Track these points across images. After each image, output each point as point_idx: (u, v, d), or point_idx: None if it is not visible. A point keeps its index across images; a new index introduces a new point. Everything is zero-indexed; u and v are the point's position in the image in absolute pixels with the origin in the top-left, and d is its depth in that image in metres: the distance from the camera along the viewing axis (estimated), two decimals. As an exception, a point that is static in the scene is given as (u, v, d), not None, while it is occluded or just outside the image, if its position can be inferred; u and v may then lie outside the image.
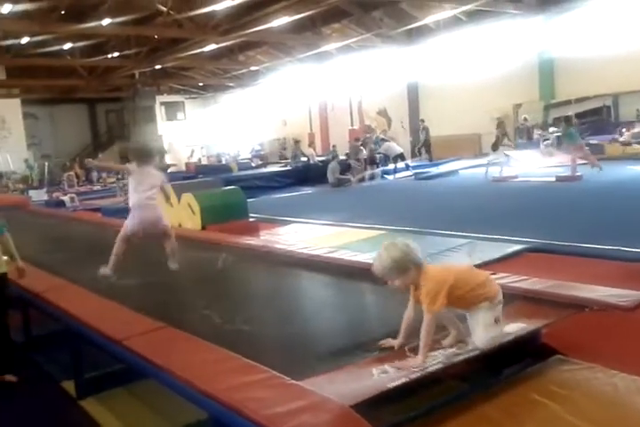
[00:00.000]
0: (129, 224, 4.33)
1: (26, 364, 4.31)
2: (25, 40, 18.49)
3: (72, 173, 22.38)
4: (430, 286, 2.49)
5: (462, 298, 2.53)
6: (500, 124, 14.12)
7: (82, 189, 20.07)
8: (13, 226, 9.30)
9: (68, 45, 19.77)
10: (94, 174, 22.54)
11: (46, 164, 23.37)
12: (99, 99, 30.43)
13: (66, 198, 14.94)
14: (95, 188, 20.23)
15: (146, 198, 4.26)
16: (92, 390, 3.60)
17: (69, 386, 3.71)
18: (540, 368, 2.72)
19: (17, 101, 26.03)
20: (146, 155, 4.36)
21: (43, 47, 19.88)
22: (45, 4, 15.00)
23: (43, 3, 15.00)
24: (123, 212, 10.95)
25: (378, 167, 16.54)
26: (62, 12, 15.49)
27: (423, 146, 19.04)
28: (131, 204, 4.35)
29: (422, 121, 20.30)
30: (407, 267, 2.52)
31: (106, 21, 15.79)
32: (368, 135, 19.14)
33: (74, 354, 3.64)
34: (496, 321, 2.55)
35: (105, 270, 4.36)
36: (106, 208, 11.94)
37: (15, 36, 18.39)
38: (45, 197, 17.36)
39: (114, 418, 3.31)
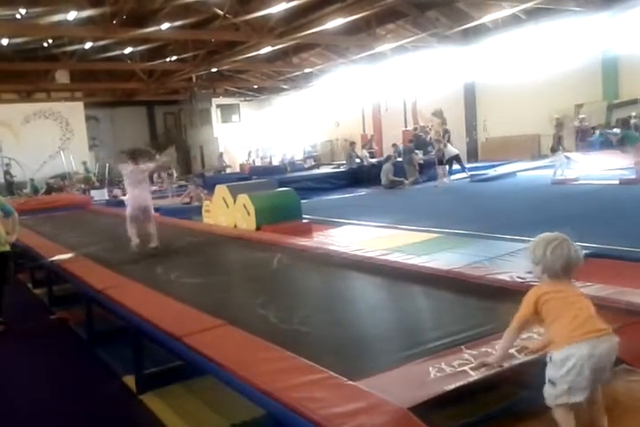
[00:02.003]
0: (128, 211, 5.79)
1: (89, 359, 4.47)
2: (88, 45, 19.14)
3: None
4: (527, 294, 2.38)
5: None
6: (559, 125, 13.66)
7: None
8: (76, 224, 9.69)
9: (128, 50, 20.35)
10: (154, 176, 23.14)
11: (107, 164, 24.16)
12: (157, 101, 31.19)
13: (125, 198, 15.32)
14: (153, 188, 20.75)
15: (138, 192, 5.72)
16: (151, 385, 3.70)
17: (130, 381, 3.82)
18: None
19: (80, 104, 26.99)
20: (136, 155, 5.80)
21: (104, 52, 20.55)
22: (108, 10, 15.48)
23: (105, 9, 15.49)
24: (180, 212, 11.26)
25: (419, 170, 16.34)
26: (124, 18, 15.98)
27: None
28: (127, 196, 5.85)
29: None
30: (536, 262, 2.37)
31: (165, 26, 16.19)
32: (420, 134, 18.95)
33: (135, 350, 3.74)
34: (551, 382, 2.27)
35: (133, 243, 5.71)
36: (164, 207, 12.24)
37: (79, 41, 19.08)
38: (106, 197, 17.95)
39: (172, 413, 3.38)
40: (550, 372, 2.26)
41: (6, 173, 22.39)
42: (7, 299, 5.56)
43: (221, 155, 26.89)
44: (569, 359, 2.18)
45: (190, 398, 3.55)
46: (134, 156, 5.78)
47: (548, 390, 2.27)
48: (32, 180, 22.12)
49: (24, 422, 3.54)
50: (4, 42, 18.12)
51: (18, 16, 15.90)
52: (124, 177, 5.92)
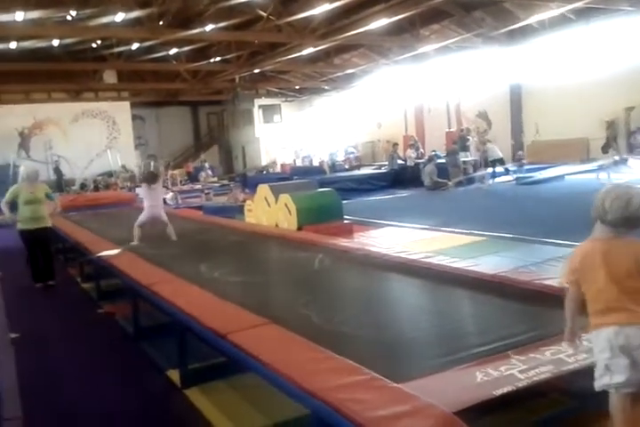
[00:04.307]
0: (141, 217, 6.85)
1: (134, 352, 4.56)
2: (135, 46, 19.55)
3: (175, 171, 23.44)
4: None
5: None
6: (611, 126, 13.23)
7: (184, 187, 20.98)
8: (122, 221, 9.93)
9: (173, 51, 20.70)
10: (202, 174, 23.51)
11: (151, 163, 24.61)
12: (201, 102, 31.63)
13: (169, 196, 15.55)
14: (196, 187, 21.07)
15: (153, 204, 6.95)
16: (195, 380, 3.74)
17: (174, 375, 3.87)
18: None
19: (126, 104, 27.60)
20: (150, 179, 7.04)
21: (151, 53, 20.95)
22: (155, 11, 15.76)
23: (152, 10, 15.77)
24: (223, 211, 11.39)
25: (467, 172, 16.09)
26: (170, 19, 16.25)
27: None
28: (145, 206, 7.01)
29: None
30: (595, 217, 2.29)
31: (209, 27, 16.39)
32: (463, 134, 18.67)
33: (179, 345, 3.79)
34: (608, 369, 2.23)
35: (134, 243, 6.60)
36: (207, 206, 12.40)
37: (126, 42, 19.51)
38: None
39: (215, 409, 3.42)
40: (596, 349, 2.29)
41: (56, 170, 23.05)
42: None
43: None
44: (598, 339, 2.25)
45: (233, 394, 3.58)
46: (148, 180, 7.05)
47: (596, 373, 2.28)
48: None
49: (71, 410, 3.63)
50: (55, 43, 18.66)
51: (68, 18, 16.35)
52: (143, 194, 7.36)
